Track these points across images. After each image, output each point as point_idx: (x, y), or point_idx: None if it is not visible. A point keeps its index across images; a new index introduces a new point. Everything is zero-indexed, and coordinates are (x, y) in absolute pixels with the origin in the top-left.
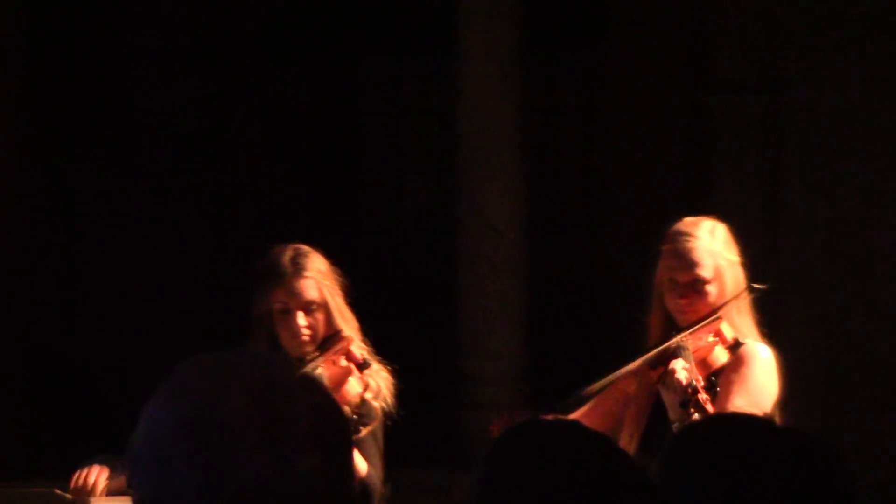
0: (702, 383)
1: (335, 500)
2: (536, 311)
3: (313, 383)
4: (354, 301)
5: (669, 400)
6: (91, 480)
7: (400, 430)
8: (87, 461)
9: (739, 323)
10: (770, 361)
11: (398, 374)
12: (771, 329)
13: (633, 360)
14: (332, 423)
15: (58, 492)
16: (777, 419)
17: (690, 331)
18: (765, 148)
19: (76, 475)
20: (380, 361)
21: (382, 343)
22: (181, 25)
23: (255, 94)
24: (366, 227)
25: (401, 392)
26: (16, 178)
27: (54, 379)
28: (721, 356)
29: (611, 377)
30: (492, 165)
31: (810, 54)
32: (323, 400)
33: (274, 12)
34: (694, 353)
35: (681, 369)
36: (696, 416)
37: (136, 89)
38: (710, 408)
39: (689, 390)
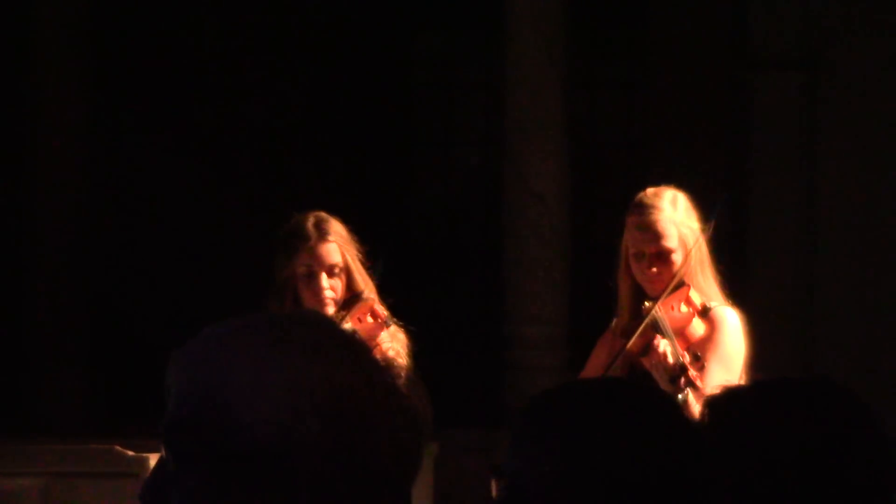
0: (688, 359)
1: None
2: (579, 279)
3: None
4: (404, 267)
5: (658, 375)
6: None
7: (447, 392)
8: None
9: (706, 286)
10: (738, 326)
11: (442, 337)
12: (806, 307)
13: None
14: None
15: (118, 448)
16: (743, 380)
17: (661, 300)
18: (802, 122)
19: None
20: (396, 323)
21: (429, 307)
22: (241, 7)
23: (313, 69)
24: (416, 195)
25: (447, 355)
26: (85, 149)
27: (114, 344)
28: (699, 328)
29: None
30: (537, 136)
31: (847, 31)
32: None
33: None
34: (672, 326)
35: (664, 347)
36: (688, 391)
37: (200, 65)
38: (699, 384)
39: (678, 368)
